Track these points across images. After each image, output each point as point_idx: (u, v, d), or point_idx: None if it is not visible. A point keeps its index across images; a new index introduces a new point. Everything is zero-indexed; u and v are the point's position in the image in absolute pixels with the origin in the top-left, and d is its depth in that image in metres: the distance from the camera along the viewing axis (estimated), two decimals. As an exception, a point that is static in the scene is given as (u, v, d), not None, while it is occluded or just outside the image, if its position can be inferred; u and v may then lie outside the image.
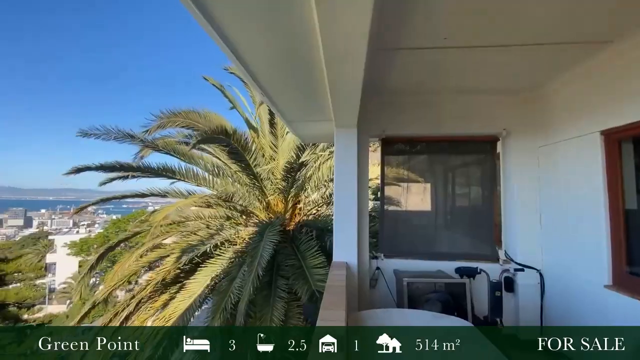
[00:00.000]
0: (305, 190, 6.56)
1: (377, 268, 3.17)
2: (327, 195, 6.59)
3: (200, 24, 1.30)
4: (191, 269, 5.51)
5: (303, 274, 4.20)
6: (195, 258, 5.35)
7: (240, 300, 3.67)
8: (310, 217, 6.86)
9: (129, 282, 6.04)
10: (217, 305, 4.04)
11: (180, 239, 6.14)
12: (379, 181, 5.94)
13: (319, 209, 7.03)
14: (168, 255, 5.78)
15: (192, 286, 4.90)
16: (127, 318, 5.10)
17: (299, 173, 5.80)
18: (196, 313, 4.65)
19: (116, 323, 4.98)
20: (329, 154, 6.30)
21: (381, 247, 3.28)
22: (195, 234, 6.04)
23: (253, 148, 5.73)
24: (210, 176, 6.05)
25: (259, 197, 6.26)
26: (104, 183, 5.36)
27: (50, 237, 38.72)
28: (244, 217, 6.49)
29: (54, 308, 20.02)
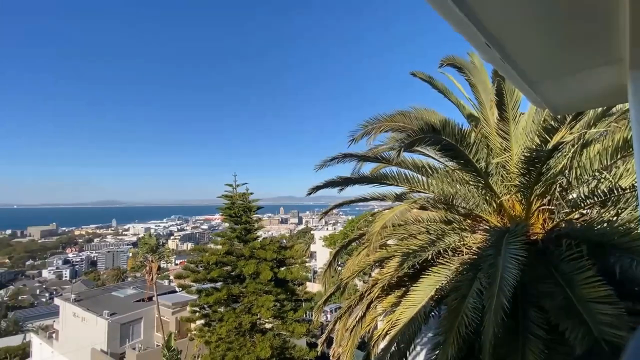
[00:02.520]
0: (558, 186, 4.74)
1: None
2: (600, 192, 4.41)
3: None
4: (413, 274, 5.25)
5: (572, 309, 2.80)
6: (417, 264, 5.04)
7: (483, 333, 2.86)
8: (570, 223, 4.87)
9: (364, 273, 6.69)
10: (449, 326, 3.42)
11: (400, 241, 6.08)
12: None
13: (585, 211, 4.89)
14: (390, 258, 5.82)
15: (415, 295, 4.57)
16: (361, 315, 5.53)
17: (547, 163, 4.22)
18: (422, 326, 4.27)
19: (351, 317, 5.50)
20: (619, 124, 4.29)
21: None
22: (415, 237, 5.75)
23: (473, 140, 4.75)
24: (423, 177, 5.58)
25: (487, 198, 5.12)
26: (333, 185, 6.20)
27: (312, 232, 52.73)
28: (469, 221, 5.52)
29: (315, 286, 26.66)
